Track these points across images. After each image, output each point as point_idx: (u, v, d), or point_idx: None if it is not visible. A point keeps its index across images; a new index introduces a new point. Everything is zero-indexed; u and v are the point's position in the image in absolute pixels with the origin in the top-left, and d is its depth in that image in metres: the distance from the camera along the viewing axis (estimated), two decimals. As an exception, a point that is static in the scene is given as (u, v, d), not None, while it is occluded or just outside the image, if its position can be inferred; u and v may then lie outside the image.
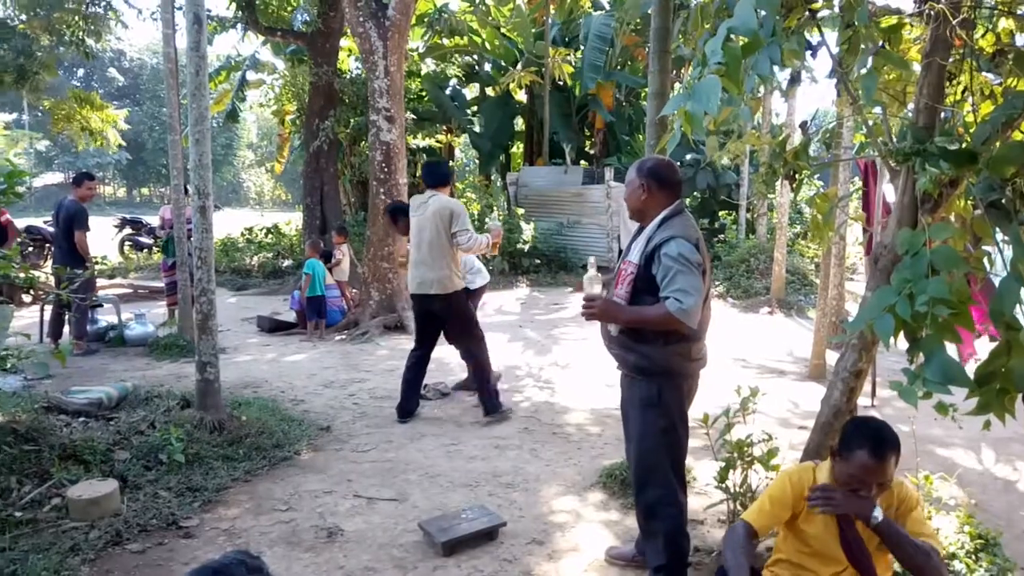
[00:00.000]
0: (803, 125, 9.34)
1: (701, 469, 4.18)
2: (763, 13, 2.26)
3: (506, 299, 11.38)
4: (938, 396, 2.00)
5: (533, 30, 17.34)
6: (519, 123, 19.38)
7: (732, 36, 2.11)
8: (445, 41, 17.04)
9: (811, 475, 2.38)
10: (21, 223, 13.80)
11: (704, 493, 3.90)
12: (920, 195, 2.57)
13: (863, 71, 2.37)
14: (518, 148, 20.56)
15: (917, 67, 2.87)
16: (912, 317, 1.91)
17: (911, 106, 2.90)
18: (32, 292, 8.94)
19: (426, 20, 16.08)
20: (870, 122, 2.96)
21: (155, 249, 14.99)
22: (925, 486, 3.12)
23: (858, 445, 2.20)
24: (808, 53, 3.00)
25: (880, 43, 2.84)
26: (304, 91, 13.90)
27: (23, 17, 13.17)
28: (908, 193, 2.65)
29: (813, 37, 2.97)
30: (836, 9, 2.88)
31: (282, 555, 3.28)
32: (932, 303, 1.87)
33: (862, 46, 2.76)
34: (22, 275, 3.89)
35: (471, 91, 20.00)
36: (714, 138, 3.27)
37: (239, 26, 13.23)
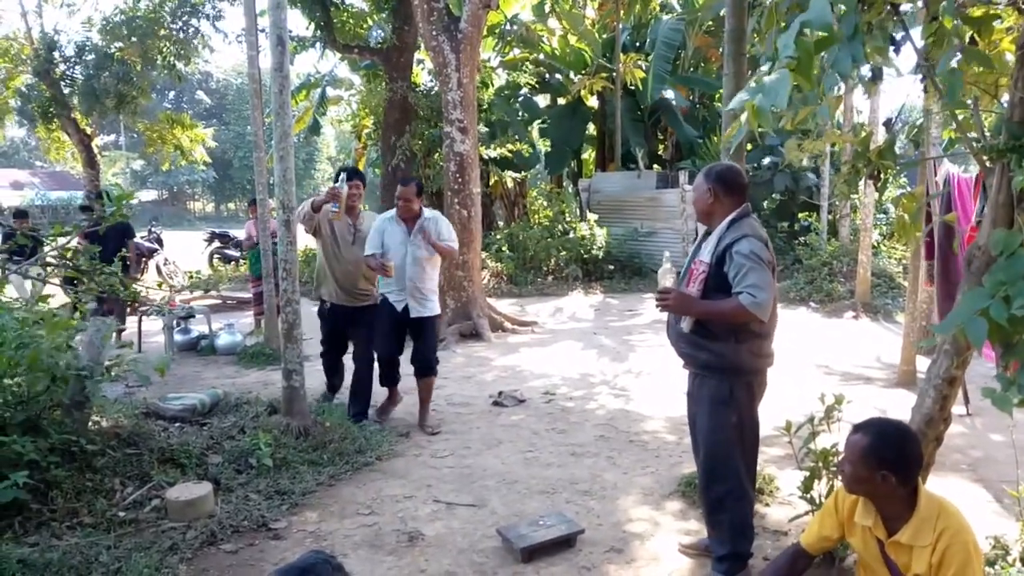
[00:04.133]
0: (887, 123, 8.99)
1: (785, 479, 4.07)
2: (841, 8, 2.21)
3: (580, 305, 11.36)
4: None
5: (604, 36, 17.29)
6: (591, 129, 19.31)
7: (806, 31, 2.07)
8: (516, 51, 17.18)
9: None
10: (120, 239, 14.64)
11: (788, 503, 3.80)
12: (1016, 194, 2.45)
13: (947, 70, 2.27)
14: (590, 155, 20.48)
15: (1010, 58, 2.73)
16: (1008, 321, 1.82)
17: (1005, 99, 2.76)
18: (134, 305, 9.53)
19: (497, 31, 16.24)
20: (960, 117, 2.84)
21: (242, 262, 15.64)
22: (1027, 499, 2.96)
23: None
24: (891, 48, 2.90)
25: (969, 35, 2.72)
26: (380, 105, 14.25)
27: (119, 44, 14.00)
28: (1003, 192, 2.52)
29: (896, 31, 2.88)
30: (920, 2, 2.78)
31: (365, 558, 3.37)
32: (1031, 307, 1.78)
33: (951, 40, 2.65)
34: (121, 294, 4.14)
35: (544, 99, 20.07)
36: (793, 140, 3.21)
37: (318, 44, 13.68)
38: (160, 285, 10.14)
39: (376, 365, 5.29)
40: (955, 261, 5.25)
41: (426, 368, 5.18)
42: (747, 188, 3.05)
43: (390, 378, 5.35)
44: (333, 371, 5.72)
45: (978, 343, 1.91)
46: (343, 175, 5.05)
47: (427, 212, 5.04)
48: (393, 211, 5.06)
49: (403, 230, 4.97)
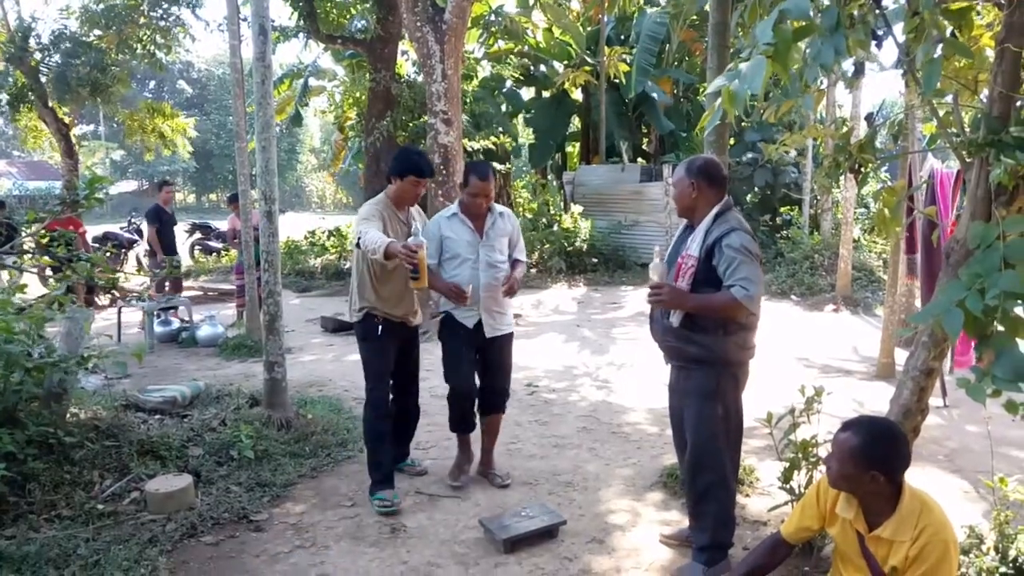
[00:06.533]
0: (869, 117, 9.07)
1: (765, 469, 4.11)
2: (824, 0, 2.22)
3: (563, 298, 11.38)
4: (1008, 394, 1.93)
5: (588, 28, 17.27)
6: (575, 122, 19.30)
7: (785, 20, 2.08)
8: (501, 43, 17.13)
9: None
10: (99, 229, 14.51)
11: (768, 494, 3.84)
12: (994, 188, 2.48)
13: (926, 60, 2.29)
14: (574, 147, 20.48)
15: (990, 54, 2.76)
16: (983, 312, 1.84)
17: (984, 95, 2.79)
18: (111, 294, 9.51)
19: (482, 23, 16.18)
20: (940, 112, 2.87)
21: (223, 254, 15.52)
22: (1000, 489, 3.00)
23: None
24: (873, 43, 2.92)
25: (949, 30, 2.75)
26: (364, 96, 14.14)
27: (97, 32, 13.79)
28: (982, 186, 2.55)
29: (878, 25, 2.90)
30: (902, -3, 2.81)
31: (347, 549, 3.37)
32: (1003, 297, 1.80)
33: (931, 32, 2.67)
34: (103, 279, 4.09)
35: (528, 92, 20.03)
36: (771, 146, 3.24)
37: (301, 35, 13.55)
38: (139, 271, 10.10)
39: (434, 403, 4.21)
40: (939, 254, 5.32)
41: (500, 402, 4.10)
42: (727, 180, 3.08)
43: (467, 422, 4.11)
44: (388, 422, 3.99)
45: (954, 334, 1.93)
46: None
47: (496, 207, 3.98)
48: (453, 208, 3.95)
49: (470, 230, 3.88)
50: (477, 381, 4.03)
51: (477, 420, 4.11)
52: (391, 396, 4.05)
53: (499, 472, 4.20)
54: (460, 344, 3.94)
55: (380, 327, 3.84)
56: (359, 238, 3.56)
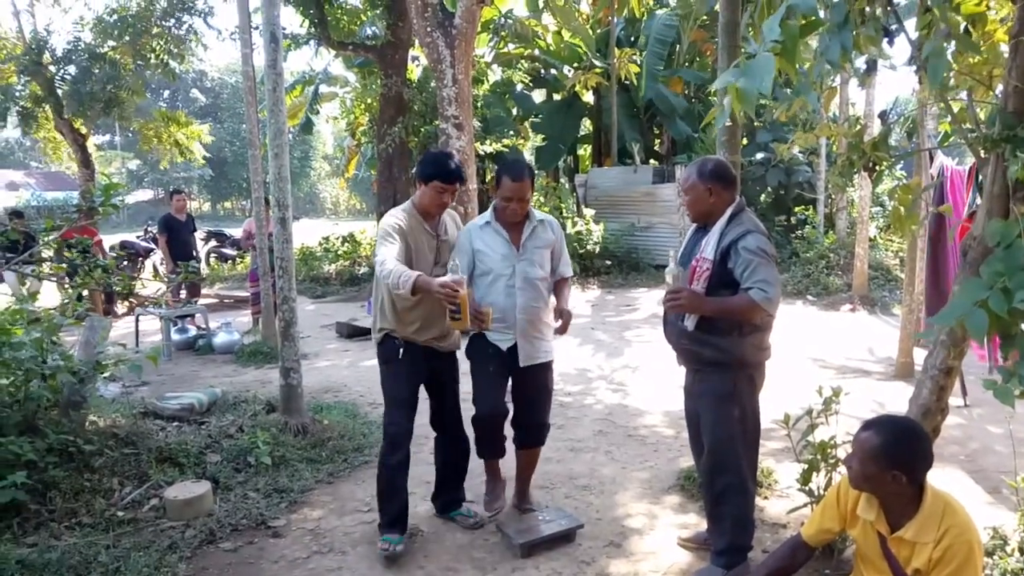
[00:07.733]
0: (882, 115, 8.99)
1: (783, 471, 4.08)
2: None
3: (576, 301, 11.35)
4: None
5: (598, 31, 17.26)
6: (587, 124, 19.28)
7: (792, 15, 2.07)
8: (511, 47, 17.15)
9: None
10: (116, 238, 14.65)
11: (786, 496, 3.81)
12: (1012, 184, 2.45)
13: (933, 52, 2.26)
14: (586, 150, 20.45)
15: (1005, 49, 2.73)
16: (1008, 313, 1.81)
17: (999, 90, 2.76)
18: (129, 302, 9.60)
19: (491, 27, 16.21)
20: (955, 108, 2.84)
21: (239, 261, 15.61)
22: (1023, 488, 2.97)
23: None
24: (885, 39, 2.90)
25: (962, 25, 2.72)
26: (375, 102, 14.20)
27: (111, 43, 13.93)
28: (998, 182, 2.52)
29: (889, 21, 2.87)
30: (914, -7, 2.79)
31: (364, 555, 3.37)
32: (1029, 296, 1.78)
33: (939, 25, 2.64)
34: (120, 284, 4.13)
35: (539, 95, 20.04)
36: (783, 146, 3.22)
37: (312, 42, 13.63)
38: (155, 278, 10.21)
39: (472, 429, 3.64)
40: (944, 252, 5.27)
41: (536, 435, 3.63)
42: (738, 180, 3.08)
43: (494, 446, 3.66)
44: (404, 469, 3.46)
45: (978, 335, 1.90)
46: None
47: (537, 213, 3.50)
48: (486, 216, 3.47)
49: (505, 241, 3.40)
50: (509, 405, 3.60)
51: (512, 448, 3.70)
52: (435, 435, 3.73)
53: (534, 507, 3.72)
54: (491, 366, 3.47)
55: (401, 349, 3.39)
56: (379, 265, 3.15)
